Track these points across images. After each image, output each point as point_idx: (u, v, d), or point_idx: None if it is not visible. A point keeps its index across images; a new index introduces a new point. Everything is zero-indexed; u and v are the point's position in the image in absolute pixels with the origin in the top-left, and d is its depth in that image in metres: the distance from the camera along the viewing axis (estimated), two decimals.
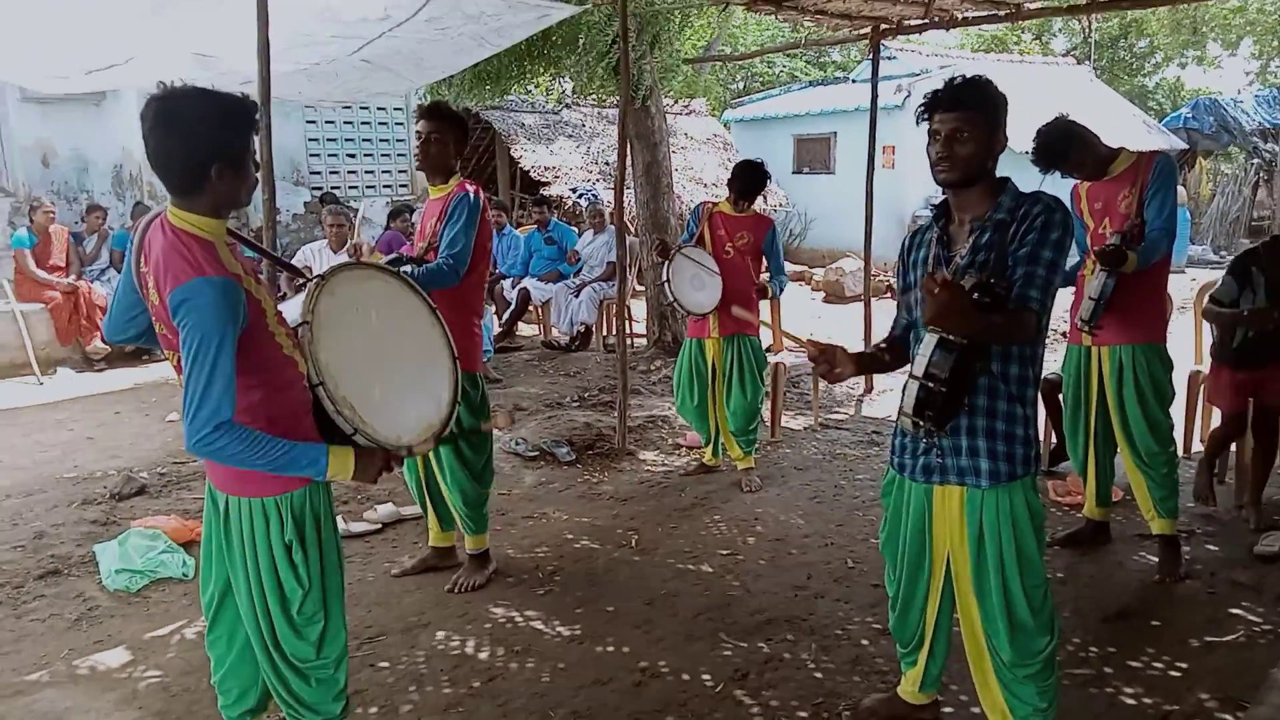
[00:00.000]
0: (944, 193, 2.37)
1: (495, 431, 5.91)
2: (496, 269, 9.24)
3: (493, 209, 9.52)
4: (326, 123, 11.52)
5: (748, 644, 3.28)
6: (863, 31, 6.92)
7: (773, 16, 6.89)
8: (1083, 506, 4.13)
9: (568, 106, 13.31)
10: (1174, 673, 3.02)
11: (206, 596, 2.28)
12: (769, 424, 5.75)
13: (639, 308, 8.63)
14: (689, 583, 3.80)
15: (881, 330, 7.64)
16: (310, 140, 11.41)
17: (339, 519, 4.29)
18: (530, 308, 8.95)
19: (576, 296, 8.59)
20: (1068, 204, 2.48)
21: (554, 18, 5.42)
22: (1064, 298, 3.04)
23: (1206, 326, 4.45)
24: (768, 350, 5.39)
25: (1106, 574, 3.79)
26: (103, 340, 7.51)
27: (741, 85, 21.67)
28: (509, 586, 3.78)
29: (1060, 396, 4.02)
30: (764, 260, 4.86)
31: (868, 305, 7.22)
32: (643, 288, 8.65)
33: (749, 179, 4.75)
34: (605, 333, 8.65)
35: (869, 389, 6.90)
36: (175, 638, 3.37)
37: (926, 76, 13.93)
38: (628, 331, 6.19)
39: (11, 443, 5.79)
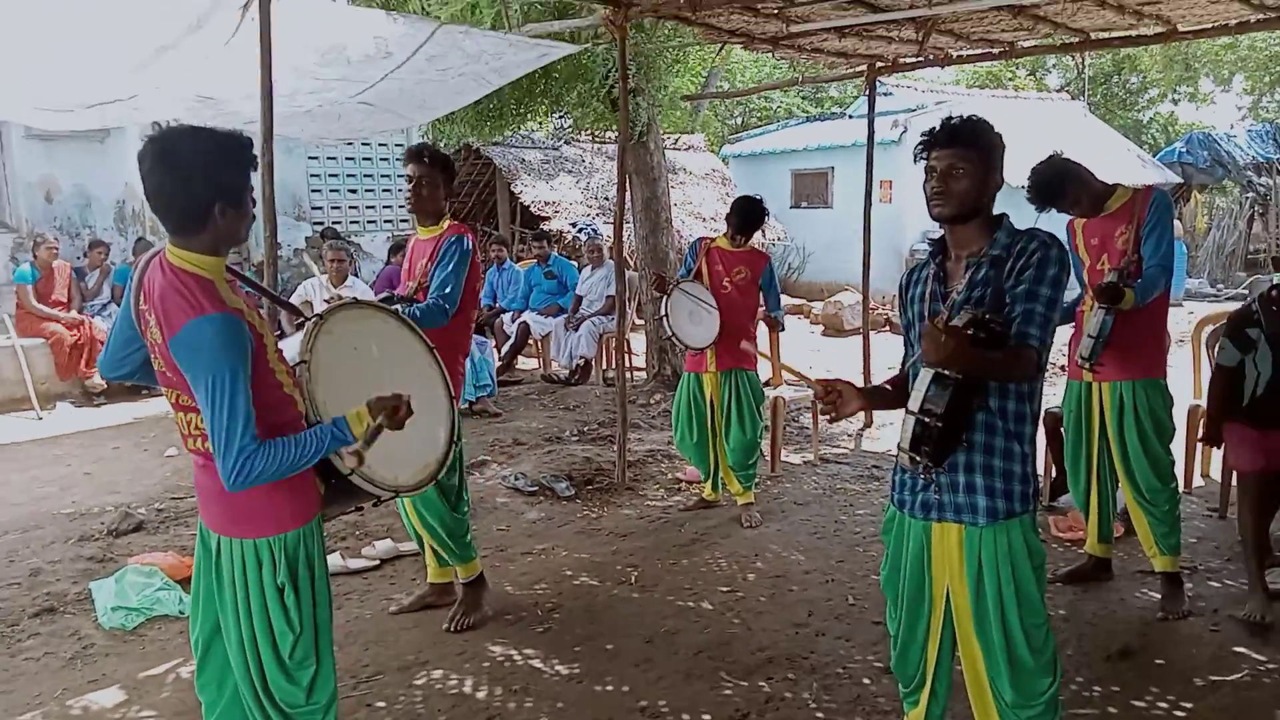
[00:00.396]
0: (941, 228, 2.38)
1: (495, 466, 5.91)
2: (497, 303, 9.29)
3: (493, 244, 9.64)
4: (328, 159, 11.62)
5: (748, 683, 3.25)
6: (859, 69, 7.01)
7: (770, 54, 6.98)
8: (1084, 542, 4.11)
9: (567, 143, 13.45)
10: (1179, 712, 2.99)
11: (195, 638, 2.24)
12: (768, 459, 5.74)
13: (638, 341, 8.65)
14: (689, 620, 3.77)
15: (880, 362, 7.62)
16: (312, 176, 11.50)
17: (337, 555, 4.28)
18: (530, 341, 8.98)
19: (576, 331, 8.61)
20: (1064, 240, 2.50)
21: (554, 56, 5.50)
22: (1063, 332, 3.05)
23: (1205, 361, 4.43)
24: (766, 384, 5.39)
25: (1109, 611, 3.76)
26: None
27: (739, 121, 21.88)
28: (508, 624, 3.75)
29: (1062, 430, 4.01)
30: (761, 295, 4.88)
31: (866, 338, 7.24)
32: (642, 321, 8.68)
33: (746, 214, 4.78)
34: (605, 366, 8.66)
35: (868, 423, 6.89)
36: (170, 676, 3.34)
37: (923, 112, 14.08)
38: (627, 365, 6.20)
39: (9, 478, 5.77)
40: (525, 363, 9.30)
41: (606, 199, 12.33)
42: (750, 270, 4.79)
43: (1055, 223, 3.18)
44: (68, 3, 3.88)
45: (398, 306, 3.23)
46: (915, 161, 2.34)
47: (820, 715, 3.03)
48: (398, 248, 8.69)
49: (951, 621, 2.39)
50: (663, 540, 4.68)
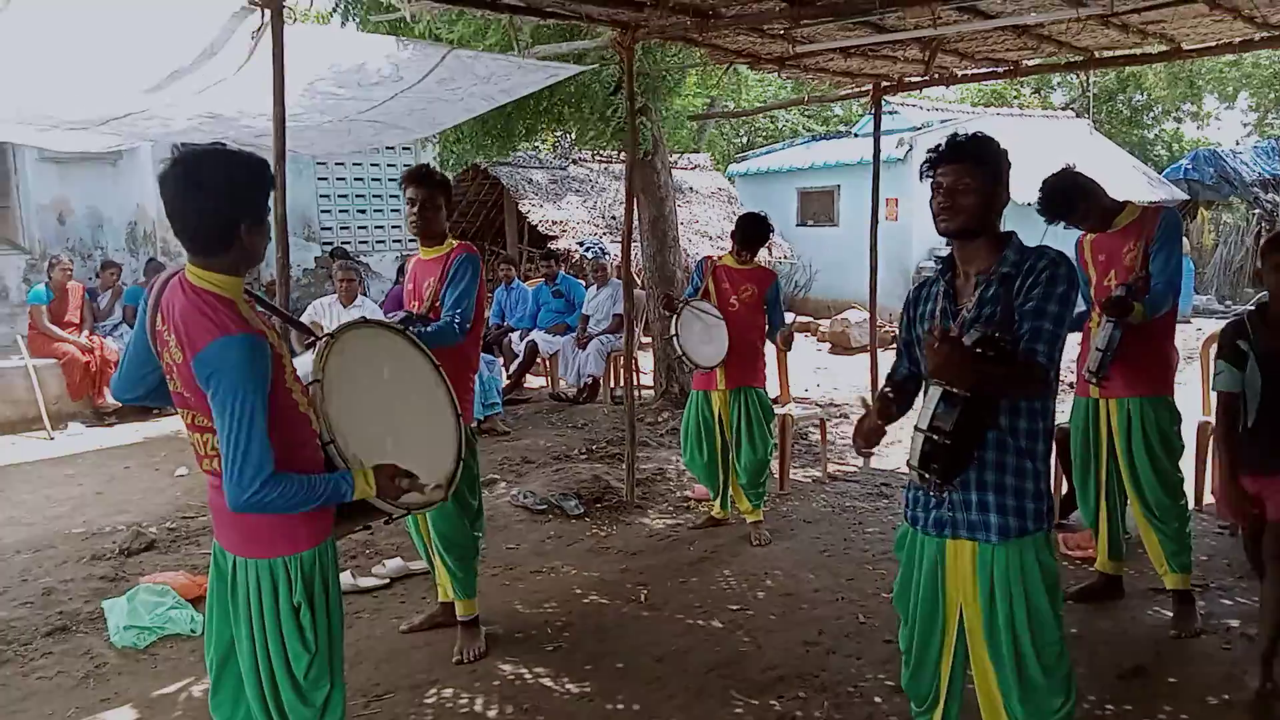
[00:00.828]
0: (949, 245, 2.40)
1: (503, 485, 5.92)
2: (505, 322, 9.33)
3: (501, 263, 9.69)
4: (337, 179, 11.70)
5: (759, 701, 3.25)
6: (864, 89, 7.05)
7: (776, 74, 7.03)
8: (1094, 560, 4.10)
9: (574, 162, 13.53)
10: None
11: (210, 658, 2.24)
12: (777, 477, 5.74)
13: (646, 360, 8.66)
14: (699, 638, 3.77)
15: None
16: (321, 196, 11.58)
17: (348, 573, 4.28)
18: (538, 360, 9.00)
19: (584, 349, 8.64)
20: (1071, 257, 2.50)
21: (561, 75, 5.56)
22: (1070, 350, 3.06)
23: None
24: (775, 402, 5.40)
25: (1120, 629, 3.75)
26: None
27: (745, 140, 21.98)
28: (518, 643, 3.75)
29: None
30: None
31: (874, 355, 7.24)
32: (649, 340, 8.69)
33: (751, 231, 4.80)
34: (612, 384, 8.67)
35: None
36: (183, 695, 3.35)
37: (928, 130, 14.14)
38: (635, 383, 6.21)
39: (21, 498, 5.80)
40: (533, 381, 9.33)
41: (613, 218, 12.40)
42: (757, 287, 4.81)
43: (1062, 240, 3.20)
44: (83, 32, 3.94)
45: (417, 326, 3.29)
46: (922, 179, 2.36)
47: None
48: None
49: (964, 639, 2.39)
50: (672, 559, 4.68)
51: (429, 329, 3.32)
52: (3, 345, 8.64)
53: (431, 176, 3.54)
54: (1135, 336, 3.50)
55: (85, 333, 8.17)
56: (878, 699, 3.23)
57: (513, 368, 8.91)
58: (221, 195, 1.97)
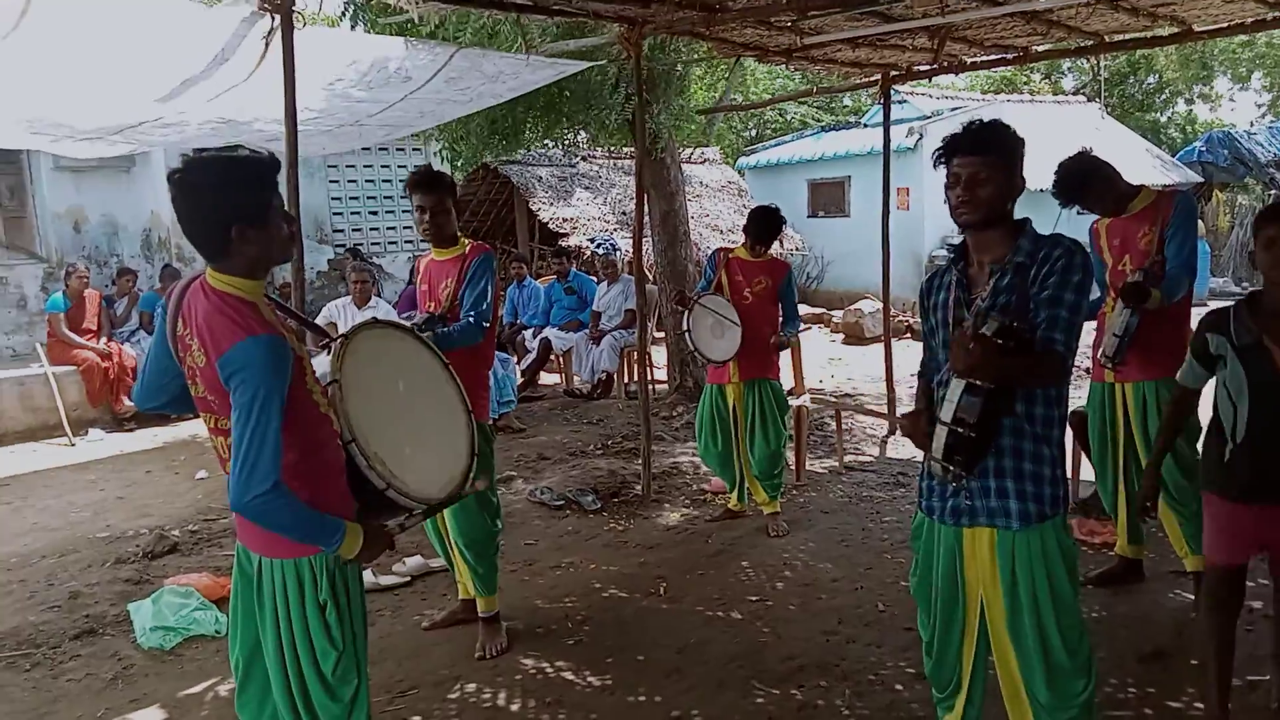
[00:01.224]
0: (962, 234, 2.39)
1: (520, 481, 5.95)
2: (518, 320, 9.36)
3: (513, 261, 9.72)
4: (349, 181, 11.76)
5: (780, 691, 3.26)
6: (873, 78, 7.03)
7: (784, 66, 7.02)
8: (1107, 546, 4.08)
9: (584, 159, 13.52)
10: None
11: (235, 658, 2.25)
12: (793, 468, 5.74)
13: (659, 355, 8.67)
14: (719, 630, 3.78)
15: (902, 370, 7.58)
16: (333, 199, 11.65)
17: (369, 572, 4.31)
18: (552, 357, 9.03)
19: (597, 345, 8.66)
20: (1086, 244, 2.49)
21: (569, 71, 5.57)
22: (1085, 335, 3.05)
23: None
24: (789, 393, 5.40)
25: (1142, 613, 3.74)
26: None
27: (754, 133, 21.90)
28: (539, 637, 3.78)
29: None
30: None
31: (888, 345, 7.23)
32: (662, 335, 8.70)
33: (764, 224, 4.80)
34: (626, 380, 8.69)
35: (892, 430, 6.88)
36: (209, 695, 3.39)
37: (938, 119, 14.06)
38: (649, 378, 6.22)
39: (45, 504, 5.87)
40: (547, 378, 9.35)
41: (624, 214, 12.39)
42: (770, 279, 4.81)
43: (1076, 228, 3.19)
44: (95, 43, 3.97)
45: (439, 326, 3.33)
46: (935, 167, 2.34)
47: None
48: None
49: (985, 625, 2.40)
50: (690, 551, 4.70)
51: (453, 330, 3.36)
52: (23, 353, 8.75)
53: (438, 180, 3.51)
54: (1151, 320, 3.49)
55: (103, 339, 8.25)
56: (899, 686, 3.24)
57: (526, 365, 8.95)
58: (208, 200, 1.98)
